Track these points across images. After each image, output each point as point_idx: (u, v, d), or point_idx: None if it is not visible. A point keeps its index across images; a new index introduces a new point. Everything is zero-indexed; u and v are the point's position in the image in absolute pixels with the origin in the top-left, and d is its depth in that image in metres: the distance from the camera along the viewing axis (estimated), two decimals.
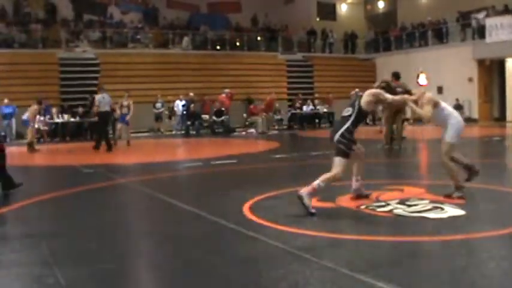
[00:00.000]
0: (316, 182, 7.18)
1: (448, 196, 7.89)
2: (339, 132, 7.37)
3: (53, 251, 5.87)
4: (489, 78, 30.39)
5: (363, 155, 8.08)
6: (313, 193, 7.20)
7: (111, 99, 18.20)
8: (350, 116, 7.47)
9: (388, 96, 7.65)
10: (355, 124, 7.44)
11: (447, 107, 8.17)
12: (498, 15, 29.40)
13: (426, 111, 7.82)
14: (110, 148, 17.43)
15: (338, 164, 7.30)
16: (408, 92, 8.35)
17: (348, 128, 7.38)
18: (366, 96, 7.52)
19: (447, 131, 7.94)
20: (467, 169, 8.37)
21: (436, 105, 7.92)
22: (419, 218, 6.80)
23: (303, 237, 6.00)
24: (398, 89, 8.25)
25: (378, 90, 7.68)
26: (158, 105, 27.14)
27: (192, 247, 5.93)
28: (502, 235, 5.95)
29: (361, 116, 7.52)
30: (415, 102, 7.96)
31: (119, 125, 19.87)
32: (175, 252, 5.78)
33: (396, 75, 15.95)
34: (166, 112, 27.65)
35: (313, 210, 7.00)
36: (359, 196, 8.02)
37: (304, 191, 7.12)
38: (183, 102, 26.84)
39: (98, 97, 18.14)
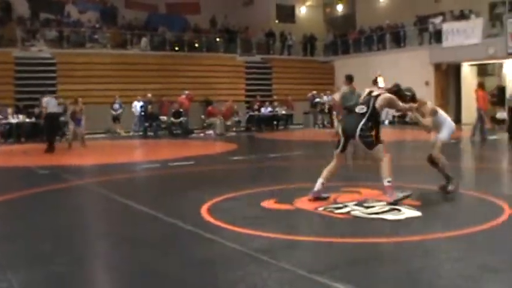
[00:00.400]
0: (385, 182, 7.70)
1: (443, 188, 8.57)
2: (358, 128, 7.82)
3: (6, 253, 5.75)
4: (445, 82, 30.83)
5: (344, 161, 8.52)
6: (392, 190, 7.68)
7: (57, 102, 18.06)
8: (365, 113, 7.89)
9: (399, 103, 8.18)
10: (370, 120, 7.85)
11: (442, 112, 8.88)
12: (454, 20, 29.88)
13: (428, 122, 8.52)
14: (50, 150, 17.15)
15: (379, 152, 7.84)
16: (414, 98, 8.72)
17: (365, 122, 7.81)
18: (381, 100, 7.95)
19: (442, 132, 8.68)
20: (446, 178, 8.81)
21: (435, 113, 8.62)
22: (377, 219, 6.85)
23: (260, 239, 5.98)
24: (408, 93, 8.57)
25: (393, 97, 8.12)
26: (116, 106, 26.83)
27: (149, 249, 5.87)
28: (457, 236, 6.03)
29: (374, 115, 7.93)
30: (417, 109, 8.58)
31: (71, 127, 19.48)
32: (132, 254, 5.71)
33: (349, 78, 16.07)
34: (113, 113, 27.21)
35: (408, 193, 7.83)
36: (317, 198, 8.09)
37: (390, 198, 7.62)
38: (141, 103, 26.59)
39: (45, 99, 17.90)
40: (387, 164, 7.77)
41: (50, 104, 17.53)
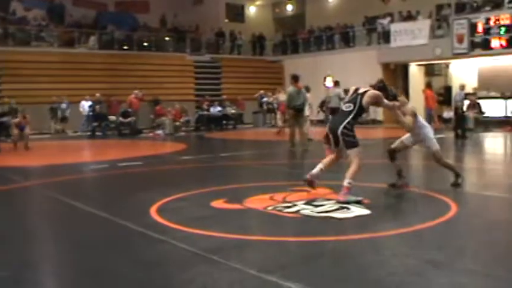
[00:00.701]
0: (345, 182, 7.74)
1: (456, 185, 9.01)
2: (342, 126, 7.91)
3: None
4: (393, 82, 31.17)
5: (341, 155, 8.41)
6: (349, 192, 7.73)
7: None
8: (351, 111, 8.00)
9: (385, 100, 8.23)
10: (355, 119, 8.01)
11: (420, 118, 9.07)
12: (402, 21, 30.32)
13: (410, 121, 8.68)
14: None
15: (354, 155, 7.93)
16: (395, 97, 8.88)
17: (349, 121, 7.92)
18: (368, 97, 8.05)
19: (428, 141, 8.97)
20: (398, 175, 9.01)
21: (415, 115, 8.78)
22: (326, 218, 6.88)
23: (210, 239, 5.96)
24: (393, 90, 8.79)
25: (380, 93, 8.18)
26: (63, 106, 26.40)
27: (98, 251, 5.79)
28: (405, 233, 6.11)
29: (360, 112, 8.10)
30: (398, 108, 8.67)
31: (15, 131, 18.84)
32: (81, 257, 5.61)
33: (295, 78, 16.25)
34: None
35: (360, 198, 7.72)
36: (311, 183, 8.33)
37: (342, 197, 7.67)
38: (89, 103, 26.23)
39: None
40: (356, 167, 7.84)
41: None
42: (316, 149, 16.16)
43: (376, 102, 8.27)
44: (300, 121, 16.12)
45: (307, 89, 16.63)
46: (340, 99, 19.49)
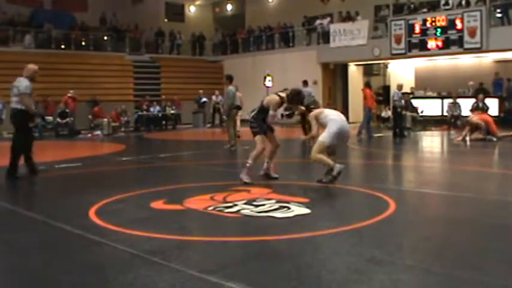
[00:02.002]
0: (248, 162, 9.48)
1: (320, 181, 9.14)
2: (250, 118, 9.89)
3: None
4: (333, 82, 31.62)
5: (276, 143, 10.06)
6: (250, 171, 9.47)
7: None
8: (257, 108, 9.92)
9: (275, 106, 9.62)
10: (257, 115, 9.81)
11: (330, 114, 9.29)
12: (341, 21, 30.67)
13: (313, 128, 9.56)
14: None
15: (257, 141, 9.69)
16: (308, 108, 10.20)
17: (252, 116, 9.86)
18: (266, 100, 9.89)
19: (324, 133, 9.07)
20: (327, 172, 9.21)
21: (318, 117, 9.26)
22: (267, 217, 6.89)
23: (150, 241, 5.88)
24: (312, 97, 9.68)
25: (272, 100, 9.71)
26: None
27: (36, 256, 5.64)
28: (345, 231, 6.15)
29: (263, 111, 9.77)
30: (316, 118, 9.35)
31: None
32: (18, 261, 5.45)
33: (229, 78, 16.46)
34: None
35: (249, 180, 9.34)
36: (267, 175, 9.94)
37: (243, 176, 9.41)
38: None
39: None
40: (256, 151, 9.60)
41: None
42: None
43: (269, 104, 9.67)
44: (235, 120, 16.54)
45: (237, 89, 16.81)
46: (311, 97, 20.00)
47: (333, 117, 9.16)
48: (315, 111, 9.47)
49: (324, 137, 8.99)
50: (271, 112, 9.61)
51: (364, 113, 21.25)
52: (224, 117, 16.42)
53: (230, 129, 16.24)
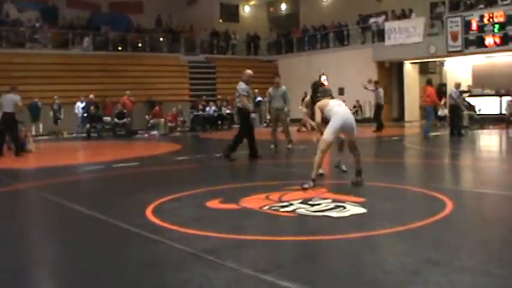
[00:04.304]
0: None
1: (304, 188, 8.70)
2: None
3: None
4: (388, 80, 31.31)
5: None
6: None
7: (16, 100, 16.34)
8: None
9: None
10: None
11: (334, 107, 8.97)
12: (396, 19, 30.35)
13: (317, 118, 9.16)
14: (17, 152, 16.29)
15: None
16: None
17: None
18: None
19: (327, 129, 8.86)
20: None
21: (323, 109, 8.97)
22: (322, 217, 6.86)
23: (206, 239, 5.93)
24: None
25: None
26: (55, 107, 26.28)
27: (95, 253, 5.75)
28: (401, 231, 6.09)
29: None
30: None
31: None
32: (78, 259, 5.57)
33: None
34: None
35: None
36: (337, 166, 10.45)
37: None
38: (84, 104, 26.18)
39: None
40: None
41: (3, 103, 16.24)
42: (309, 148, 16.23)
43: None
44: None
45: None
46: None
47: (335, 110, 8.92)
48: (321, 102, 9.15)
49: (328, 134, 8.83)
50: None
51: (422, 112, 20.99)
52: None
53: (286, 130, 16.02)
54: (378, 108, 23.49)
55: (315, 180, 8.86)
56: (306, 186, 8.72)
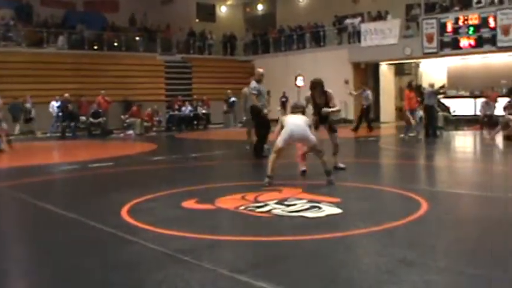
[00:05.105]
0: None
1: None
2: None
3: None
4: (364, 81, 31.44)
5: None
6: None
7: None
8: None
9: None
10: None
11: (287, 120, 9.64)
12: (372, 20, 30.52)
13: (276, 130, 9.82)
14: None
15: None
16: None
17: None
18: None
19: (279, 137, 9.50)
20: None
21: (282, 123, 9.59)
22: (298, 217, 6.87)
23: (182, 240, 5.91)
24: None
25: None
26: (28, 106, 26.00)
27: (69, 253, 5.70)
28: (376, 232, 6.11)
29: None
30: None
31: None
32: (51, 259, 5.52)
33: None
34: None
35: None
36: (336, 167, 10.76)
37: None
38: (58, 103, 25.93)
39: None
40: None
41: None
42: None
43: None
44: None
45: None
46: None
47: (287, 123, 9.54)
48: (283, 118, 9.91)
49: (278, 141, 9.43)
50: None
51: (398, 113, 21.11)
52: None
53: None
54: (367, 109, 23.45)
55: (271, 177, 9.23)
56: (263, 182, 9.16)
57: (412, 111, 19.69)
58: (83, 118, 26.20)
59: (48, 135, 26.00)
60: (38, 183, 10.95)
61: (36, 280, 4.96)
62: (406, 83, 20.71)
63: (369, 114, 23.72)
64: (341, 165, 11.04)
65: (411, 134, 19.42)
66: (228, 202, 7.89)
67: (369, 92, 23.72)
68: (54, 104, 26.14)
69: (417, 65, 31.13)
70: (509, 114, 19.30)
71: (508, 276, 4.64)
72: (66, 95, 25.72)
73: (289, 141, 9.50)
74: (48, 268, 5.24)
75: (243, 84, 31.94)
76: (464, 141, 20.06)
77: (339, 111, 11.81)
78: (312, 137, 9.43)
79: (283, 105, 29.20)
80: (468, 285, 4.53)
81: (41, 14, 33.98)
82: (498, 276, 4.66)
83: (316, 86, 10.91)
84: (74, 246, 6.01)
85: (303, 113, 9.91)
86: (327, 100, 10.76)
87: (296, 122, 9.51)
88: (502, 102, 22.67)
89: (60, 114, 25.67)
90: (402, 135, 19.41)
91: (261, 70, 14.72)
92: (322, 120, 10.74)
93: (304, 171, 10.30)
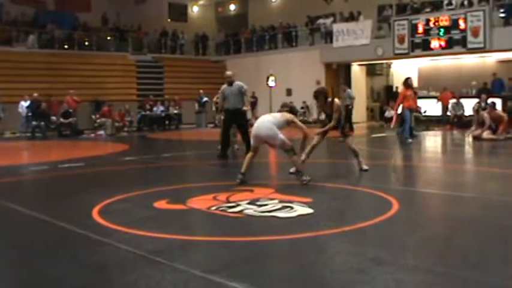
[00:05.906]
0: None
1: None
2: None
3: None
4: (336, 81, 31.55)
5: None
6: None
7: None
8: None
9: None
10: None
11: (257, 121, 9.69)
12: (344, 21, 30.67)
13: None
14: None
15: None
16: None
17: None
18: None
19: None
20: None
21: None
22: (270, 217, 6.88)
23: (154, 241, 5.89)
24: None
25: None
26: None
27: (39, 256, 5.63)
28: (347, 231, 6.15)
29: None
30: None
31: None
32: (20, 262, 5.45)
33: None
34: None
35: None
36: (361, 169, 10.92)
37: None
38: (28, 103, 25.61)
39: None
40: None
41: None
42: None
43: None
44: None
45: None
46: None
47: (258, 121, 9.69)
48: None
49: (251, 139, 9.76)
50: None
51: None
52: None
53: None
54: (351, 109, 23.15)
55: (243, 174, 9.41)
56: (236, 179, 9.35)
57: (411, 111, 18.58)
58: (53, 118, 25.92)
59: (17, 135, 25.71)
60: (7, 184, 10.81)
61: (5, 285, 4.90)
62: (404, 81, 18.94)
63: (351, 114, 23.40)
64: (365, 166, 11.03)
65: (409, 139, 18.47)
66: (199, 202, 7.88)
67: (349, 90, 23.45)
68: (24, 104, 25.80)
69: (389, 66, 31.38)
70: (482, 110, 19.51)
71: (476, 275, 4.70)
72: (36, 94, 25.41)
73: (256, 139, 9.54)
74: (18, 271, 5.18)
75: (215, 84, 32.00)
76: (435, 142, 20.24)
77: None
78: (279, 136, 9.30)
79: (253, 105, 29.17)
80: (437, 283, 4.57)
81: (11, 12, 33.56)
82: (466, 274, 4.72)
83: (318, 95, 10.83)
84: (43, 248, 5.95)
85: (292, 112, 9.86)
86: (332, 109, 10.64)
87: (262, 120, 9.54)
88: (471, 103, 23.05)
89: (29, 114, 25.36)
90: (407, 138, 18.32)
91: (228, 72, 15.06)
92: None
93: (292, 173, 10.02)
